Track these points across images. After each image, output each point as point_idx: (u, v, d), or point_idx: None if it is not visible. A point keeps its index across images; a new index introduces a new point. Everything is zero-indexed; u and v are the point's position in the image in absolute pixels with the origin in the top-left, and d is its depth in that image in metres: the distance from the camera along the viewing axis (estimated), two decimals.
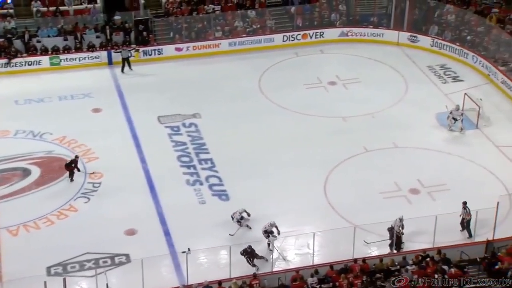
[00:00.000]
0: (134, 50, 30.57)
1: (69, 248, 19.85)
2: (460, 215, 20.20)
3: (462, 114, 25.35)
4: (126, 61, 29.96)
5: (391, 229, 19.66)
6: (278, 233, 19.73)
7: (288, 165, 23.70)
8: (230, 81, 29.34)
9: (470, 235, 20.10)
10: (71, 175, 22.98)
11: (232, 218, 20.56)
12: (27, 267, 18.98)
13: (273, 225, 19.77)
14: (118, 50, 30.09)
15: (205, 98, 27.98)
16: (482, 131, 25.52)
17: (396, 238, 19.54)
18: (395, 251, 19.54)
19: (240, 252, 18.85)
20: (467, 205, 20.13)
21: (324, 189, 22.53)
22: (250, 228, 20.54)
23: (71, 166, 23.03)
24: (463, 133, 25.25)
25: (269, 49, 31.84)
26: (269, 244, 19.64)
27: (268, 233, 19.66)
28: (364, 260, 18.53)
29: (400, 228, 19.63)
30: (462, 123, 25.27)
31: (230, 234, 20.17)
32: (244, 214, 20.63)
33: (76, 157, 23.27)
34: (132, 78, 29.78)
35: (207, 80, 29.50)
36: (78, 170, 23.14)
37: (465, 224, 20.13)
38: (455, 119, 25.28)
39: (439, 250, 18.49)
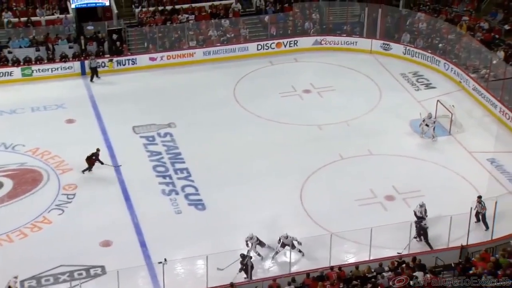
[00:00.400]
0: (108, 60, 30.45)
1: (43, 261, 19.59)
2: (474, 209, 20.58)
3: (434, 122, 25.63)
4: (94, 70, 29.80)
5: (417, 222, 20.02)
6: (299, 243, 19.65)
7: (264, 174, 23.71)
8: (204, 90, 29.31)
9: (487, 227, 20.55)
10: (90, 168, 23.23)
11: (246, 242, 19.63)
12: (0, 281, 18.63)
13: (288, 237, 19.46)
14: (91, 65, 29.82)
15: (180, 107, 27.92)
16: (455, 137, 25.84)
17: (420, 228, 19.91)
18: (427, 246, 19.93)
19: (242, 254, 18.80)
20: (482, 199, 20.60)
21: (300, 197, 22.58)
22: (262, 257, 19.78)
23: (92, 159, 23.23)
24: (435, 140, 25.53)
25: (244, 58, 31.91)
26: (277, 252, 19.67)
27: (285, 244, 19.52)
28: (340, 267, 18.58)
29: (423, 213, 20.19)
30: (434, 131, 25.55)
31: (218, 269, 18.96)
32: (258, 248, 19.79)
33: (98, 149, 23.36)
34: (106, 88, 29.61)
35: (181, 89, 29.43)
36: (101, 163, 23.33)
37: (481, 217, 20.61)
38: (428, 126, 25.57)
39: (414, 258, 18.61)
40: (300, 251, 19.80)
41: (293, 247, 19.56)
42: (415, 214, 20.40)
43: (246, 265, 18.76)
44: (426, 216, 20.33)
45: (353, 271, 18.52)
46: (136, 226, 21.28)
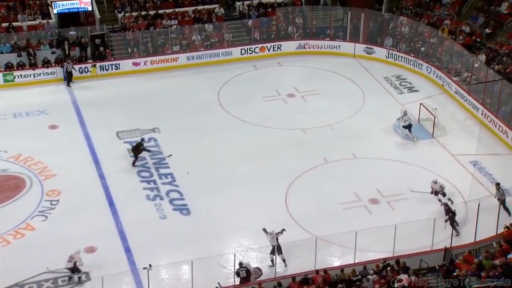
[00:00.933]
0: (91, 66, 30.35)
1: (27, 268, 19.42)
2: (495, 197, 21.30)
3: (405, 121, 25.68)
4: (70, 75, 29.59)
5: (444, 205, 20.81)
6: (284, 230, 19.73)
7: (249, 178, 23.71)
8: (188, 95, 29.28)
9: (509, 213, 21.22)
10: (136, 159, 24.01)
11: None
12: None
13: (273, 233, 19.55)
14: (67, 69, 29.59)
15: (164, 112, 27.84)
16: (438, 140, 26.02)
17: (449, 210, 20.53)
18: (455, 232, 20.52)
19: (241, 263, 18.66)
20: (500, 186, 21.44)
21: (285, 201, 22.61)
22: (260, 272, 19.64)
23: (139, 149, 24.03)
24: (415, 141, 25.69)
25: (227, 62, 31.93)
26: (272, 261, 19.60)
27: (273, 250, 19.55)
28: (325, 271, 18.62)
29: (442, 189, 21.69)
30: (411, 132, 25.71)
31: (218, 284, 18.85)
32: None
33: (142, 139, 24.65)
34: (89, 93, 29.47)
35: (165, 94, 29.38)
36: (149, 151, 24.31)
37: (501, 204, 21.18)
38: (404, 122, 25.86)
39: (397, 260, 18.69)
40: (284, 260, 19.75)
41: (279, 251, 19.55)
42: (434, 193, 21.55)
43: (238, 273, 18.72)
44: (444, 192, 21.62)
45: (338, 274, 18.56)
46: (121, 232, 21.17)
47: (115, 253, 20.26)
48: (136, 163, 24.15)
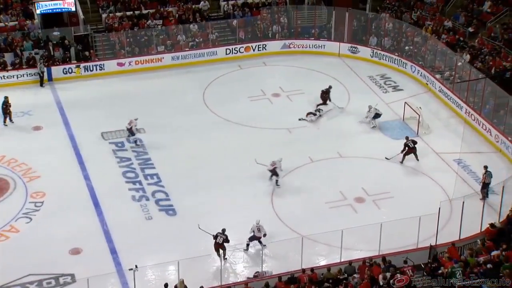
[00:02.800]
0: (75, 66, 30.15)
1: (11, 271, 19.30)
2: (481, 182, 22.63)
3: (371, 112, 26.48)
4: (42, 76, 29.32)
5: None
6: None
7: (235, 178, 23.70)
8: (174, 95, 29.21)
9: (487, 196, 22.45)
10: (325, 103, 27.54)
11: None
12: None
13: (260, 228, 20.04)
14: (41, 70, 29.35)
15: (149, 113, 27.74)
16: (422, 139, 26.17)
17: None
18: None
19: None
20: (488, 168, 22.52)
21: (271, 201, 22.63)
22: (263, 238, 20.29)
23: (326, 96, 27.41)
24: (374, 126, 26.47)
25: (212, 62, 31.90)
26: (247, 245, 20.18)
27: (255, 238, 19.96)
28: (312, 269, 18.66)
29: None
30: (373, 120, 26.52)
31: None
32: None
33: (330, 86, 27.79)
34: (74, 94, 29.31)
35: (150, 94, 29.28)
36: (326, 102, 27.59)
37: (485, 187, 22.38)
38: (369, 117, 26.62)
39: (383, 258, 18.79)
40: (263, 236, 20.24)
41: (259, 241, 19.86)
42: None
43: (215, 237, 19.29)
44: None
45: (324, 273, 18.61)
46: (106, 233, 21.08)
47: (101, 254, 20.18)
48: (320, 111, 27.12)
